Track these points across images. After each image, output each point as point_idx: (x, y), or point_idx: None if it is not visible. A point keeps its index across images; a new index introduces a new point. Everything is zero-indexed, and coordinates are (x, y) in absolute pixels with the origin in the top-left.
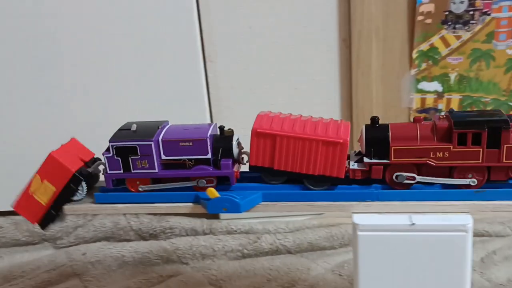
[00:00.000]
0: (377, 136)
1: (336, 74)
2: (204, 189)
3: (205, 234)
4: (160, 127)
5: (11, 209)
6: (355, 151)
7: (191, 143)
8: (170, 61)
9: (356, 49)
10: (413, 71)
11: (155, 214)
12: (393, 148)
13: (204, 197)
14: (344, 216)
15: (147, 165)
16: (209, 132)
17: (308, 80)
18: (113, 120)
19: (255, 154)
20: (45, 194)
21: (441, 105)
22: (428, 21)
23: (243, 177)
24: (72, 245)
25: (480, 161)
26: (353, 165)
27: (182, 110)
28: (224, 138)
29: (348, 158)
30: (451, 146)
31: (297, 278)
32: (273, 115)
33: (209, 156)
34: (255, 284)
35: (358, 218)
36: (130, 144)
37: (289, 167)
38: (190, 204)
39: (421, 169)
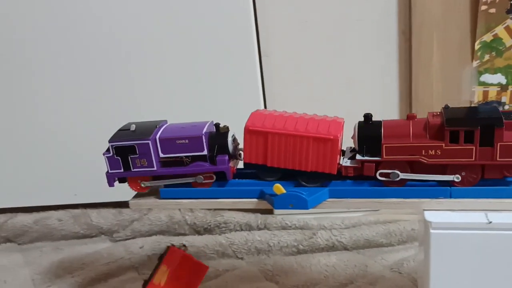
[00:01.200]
0: (369, 133)
1: (395, 67)
2: (202, 184)
3: (259, 229)
4: (158, 126)
5: (70, 202)
6: (350, 147)
7: (187, 141)
8: (225, 56)
9: (417, 41)
10: (475, 63)
11: (209, 209)
12: (384, 145)
13: (270, 192)
14: (402, 212)
15: (146, 163)
16: (205, 129)
17: (365, 74)
18: (168, 116)
19: (248, 151)
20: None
21: (505, 98)
22: (492, 10)
23: (241, 173)
24: (128, 239)
25: (473, 159)
26: (346, 162)
27: (237, 104)
28: (219, 134)
29: (343, 154)
30: (443, 144)
31: (355, 275)
32: (267, 113)
33: (205, 152)
34: (312, 280)
35: (430, 216)
36: (128, 143)
37: (282, 164)
38: (255, 199)
39: (414, 166)
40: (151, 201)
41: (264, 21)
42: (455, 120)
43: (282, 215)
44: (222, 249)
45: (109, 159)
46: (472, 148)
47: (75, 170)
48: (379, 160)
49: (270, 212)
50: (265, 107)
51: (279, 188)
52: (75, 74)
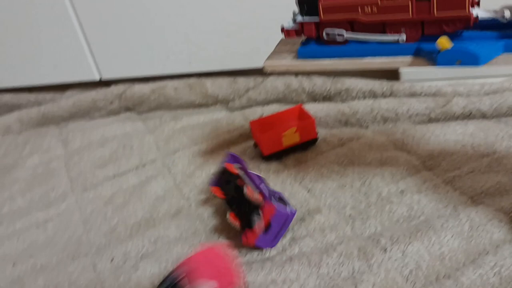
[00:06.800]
0: None
1: None
2: None
3: (385, 96)
4: None
5: (185, 71)
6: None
7: None
8: None
9: None
10: None
11: (328, 76)
12: (321, 5)
13: (430, 49)
14: None
15: None
16: None
17: None
18: None
19: None
20: (290, 140)
21: None
22: None
23: None
24: (244, 108)
25: (410, 15)
26: (288, 25)
27: None
28: None
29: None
30: (379, 0)
31: (498, 145)
32: None
33: None
34: (447, 149)
35: None
36: None
37: None
38: (409, 58)
39: (354, 26)
40: (287, 62)
41: None
42: None
43: (410, 81)
44: (345, 117)
45: None
46: (408, 3)
47: (188, 37)
48: (318, 21)
49: (397, 78)
50: None
51: (444, 42)
52: None
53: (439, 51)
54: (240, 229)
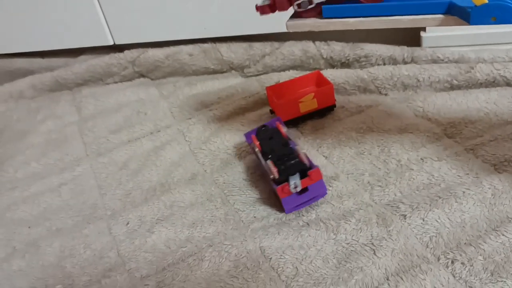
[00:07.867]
0: None
1: None
2: None
3: (405, 63)
4: None
5: (200, 36)
6: None
7: None
8: None
9: None
10: None
11: (347, 42)
12: None
13: (465, 4)
14: None
15: None
16: None
17: None
18: None
19: None
20: (307, 107)
21: None
22: None
23: None
24: (259, 74)
25: None
26: (260, 1)
27: None
28: None
29: None
30: None
31: None
32: None
33: None
34: (470, 117)
35: None
36: None
37: None
38: (440, 15)
39: None
40: (311, 21)
41: None
42: None
43: (432, 48)
44: (364, 84)
45: None
46: None
47: (203, 1)
48: None
49: (418, 44)
50: None
51: None
52: None
53: (473, 7)
54: (277, 179)
